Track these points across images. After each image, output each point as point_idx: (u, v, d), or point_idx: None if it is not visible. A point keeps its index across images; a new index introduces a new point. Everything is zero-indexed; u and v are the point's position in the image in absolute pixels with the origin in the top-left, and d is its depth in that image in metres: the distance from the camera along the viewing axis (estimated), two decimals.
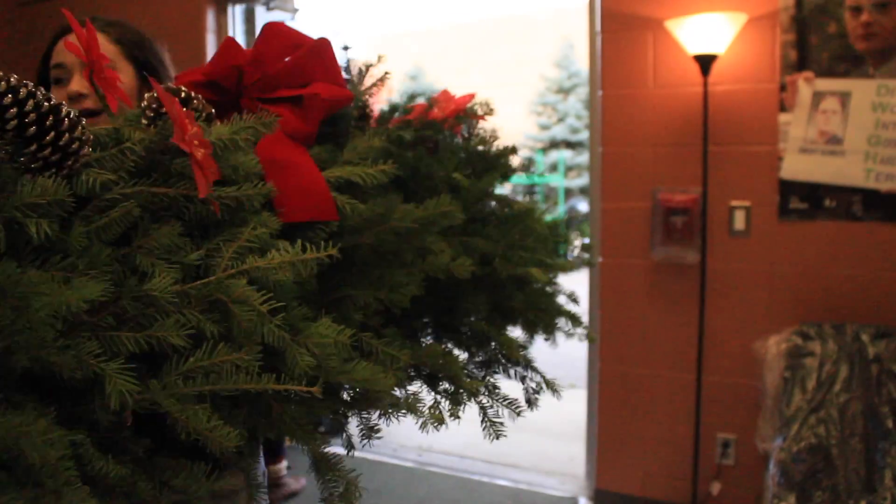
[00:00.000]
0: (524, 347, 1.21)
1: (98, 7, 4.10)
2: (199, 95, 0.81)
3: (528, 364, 1.22)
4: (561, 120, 18.48)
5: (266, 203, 0.76)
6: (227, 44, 0.93)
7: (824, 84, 2.46)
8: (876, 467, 2.14)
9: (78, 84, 1.12)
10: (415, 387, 1.02)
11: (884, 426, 2.18)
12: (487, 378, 1.17)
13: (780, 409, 2.33)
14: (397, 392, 0.94)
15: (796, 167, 2.51)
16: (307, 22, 4.45)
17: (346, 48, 4.12)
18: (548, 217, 1.26)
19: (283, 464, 3.04)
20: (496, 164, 1.20)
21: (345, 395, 0.87)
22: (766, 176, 2.57)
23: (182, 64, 4.21)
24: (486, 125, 1.23)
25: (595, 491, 2.98)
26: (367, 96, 1.12)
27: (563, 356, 6.00)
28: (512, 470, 3.35)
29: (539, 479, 3.24)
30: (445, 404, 1.04)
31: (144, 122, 0.74)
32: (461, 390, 1.03)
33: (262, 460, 1.59)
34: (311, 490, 3.15)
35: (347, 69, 1.13)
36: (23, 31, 4.32)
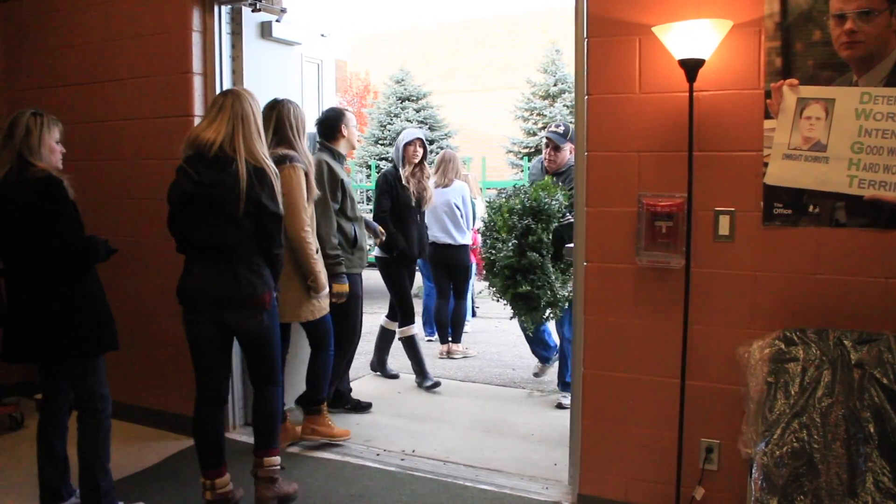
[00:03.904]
0: None
1: (84, 8, 4.08)
2: None
3: None
4: (547, 126, 18.50)
5: None
6: None
7: (808, 91, 2.47)
8: (858, 472, 2.15)
9: None
10: None
11: (865, 431, 2.19)
12: None
13: (763, 413, 2.34)
14: None
15: (780, 173, 2.53)
16: (293, 23, 4.39)
17: (322, 36, 4.23)
18: None
19: (277, 458, 3.02)
20: None
21: None
22: (751, 182, 2.58)
23: (167, 63, 4.19)
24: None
25: (579, 496, 2.98)
26: None
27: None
28: (496, 475, 3.34)
29: (523, 484, 3.23)
30: None
31: None
32: None
33: None
34: (301, 497, 3.12)
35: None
36: None
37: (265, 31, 3.88)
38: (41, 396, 2.93)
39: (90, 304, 2.77)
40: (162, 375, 3.89)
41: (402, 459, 3.51)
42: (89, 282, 2.79)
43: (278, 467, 3.03)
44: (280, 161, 3.20)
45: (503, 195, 4.33)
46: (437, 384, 4.79)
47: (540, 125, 18.55)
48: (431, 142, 17.42)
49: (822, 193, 2.48)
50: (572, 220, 3.63)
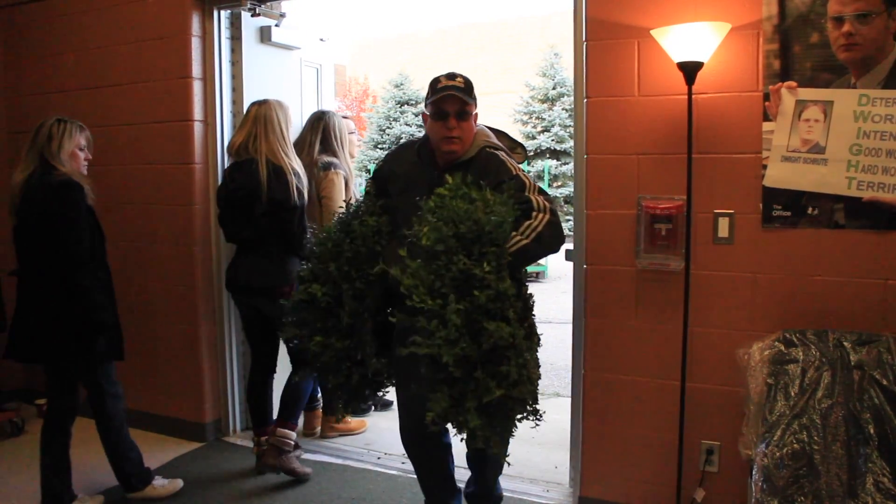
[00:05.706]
0: None
1: (83, 13, 4.08)
2: None
3: None
4: (546, 129, 18.53)
5: None
6: None
7: (807, 93, 2.48)
8: (858, 473, 2.16)
9: None
10: None
11: (865, 432, 2.19)
12: None
13: (763, 415, 2.34)
14: None
15: (779, 175, 2.54)
16: (292, 27, 4.42)
17: (321, 40, 4.33)
18: None
19: (291, 433, 3.25)
20: None
21: None
22: (750, 184, 2.59)
23: (167, 68, 4.18)
24: None
25: (580, 498, 2.98)
26: None
27: (548, 365, 5.97)
28: None
29: (524, 486, 3.23)
30: None
31: None
32: None
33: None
34: (302, 500, 3.12)
35: None
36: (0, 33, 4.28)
37: (264, 35, 3.89)
38: (44, 401, 2.94)
39: (91, 310, 2.78)
40: (163, 380, 3.88)
41: (403, 463, 3.50)
42: (98, 286, 2.80)
43: (290, 441, 3.24)
44: (325, 167, 3.60)
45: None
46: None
47: (539, 129, 18.58)
48: None
49: (820, 195, 2.49)
50: (527, 241, 2.17)
